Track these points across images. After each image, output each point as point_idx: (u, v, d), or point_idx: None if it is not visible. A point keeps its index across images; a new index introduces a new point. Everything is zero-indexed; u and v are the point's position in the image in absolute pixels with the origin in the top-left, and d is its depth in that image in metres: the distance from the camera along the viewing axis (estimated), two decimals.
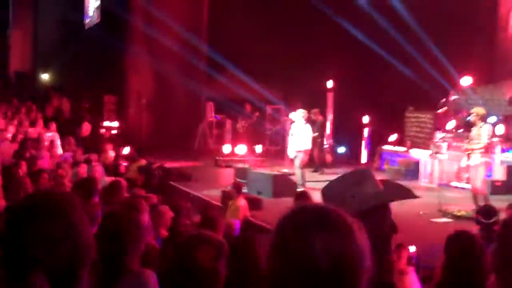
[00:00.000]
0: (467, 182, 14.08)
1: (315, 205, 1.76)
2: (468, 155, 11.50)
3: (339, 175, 2.77)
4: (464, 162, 11.80)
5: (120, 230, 3.67)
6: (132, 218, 3.85)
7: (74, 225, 1.79)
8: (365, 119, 19.79)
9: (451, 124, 16.39)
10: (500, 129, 15.15)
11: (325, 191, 2.66)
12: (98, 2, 28.92)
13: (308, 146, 14.47)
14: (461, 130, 15.66)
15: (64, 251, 1.74)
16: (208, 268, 2.63)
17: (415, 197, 2.67)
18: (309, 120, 15.06)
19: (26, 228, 1.74)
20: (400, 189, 2.70)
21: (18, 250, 1.73)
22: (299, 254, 1.60)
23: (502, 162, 14.08)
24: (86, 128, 23.46)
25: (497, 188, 13.41)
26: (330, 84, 20.10)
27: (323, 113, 18.79)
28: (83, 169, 12.30)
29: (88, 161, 14.07)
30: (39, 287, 1.70)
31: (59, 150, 17.41)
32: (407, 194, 2.67)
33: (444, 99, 17.70)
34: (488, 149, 11.33)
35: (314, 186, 14.02)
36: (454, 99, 17.54)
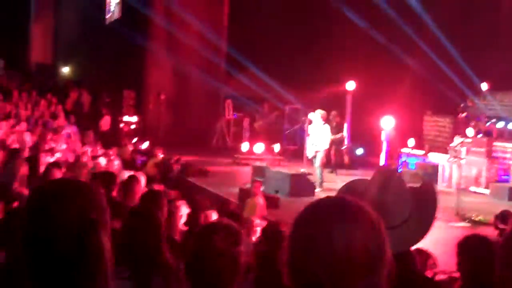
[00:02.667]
0: (485, 187, 14.04)
1: (337, 197, 1.77)
2: None
3: (358, 177, 2.80)
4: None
5: (148, 226, 3.75)
6: (157, 214, 3.93)
7: (92, 210, 1.82)
8: (384, 121, 19.71)
9: (470, 130, 16.30)
10: None
11: (349, 185, 2.69)
12: None
13: (326, 146, 14.52)
14: (480, 135, 15.60)
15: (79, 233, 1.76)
16: (226, 254, 2.65)
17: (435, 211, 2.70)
18: (327, 121, 15.07)
19: (46, 210, 1.77)
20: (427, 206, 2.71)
21: (38, 232, 1.76)
22: (319, 246, 1.60)
23: None
24: (105, 122, 23.59)
25: None
26: (350, 85, 20.03)
27: (341, 115, 18.74)
28: (101, 163, 12.37)
29: (106, 155, 14.14)
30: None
31: (78, 144, 17.52)
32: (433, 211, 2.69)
33: (463, 104, 17.63)
34: None
35: (331, 186, 14.07)
36: (473, 104, 17.46)
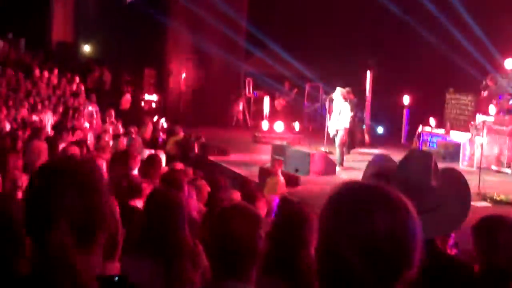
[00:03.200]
0: (507, 167, 13.93)
1: (374, 184, 1.77)
2: None
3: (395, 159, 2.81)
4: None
5: (171, 206, 3.79)
6: (178, 195, 3.96)
7: (89, 190, 1.86)
8: (405, 99, 19.60)
9: (492, 108, 16.12)
10: None
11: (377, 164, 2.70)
12: None
13: (347, 124, 14.43)
14: (502, 114, 15.44)
15: (78, 212, 1.81)
16: (245, 238, 2.67)
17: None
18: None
19: (47, 187, 1.84)
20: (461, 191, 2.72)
21: (38, 207, 1.83)
22: (362, 231, 1.61)
23: None
24: (126, 100, 23.69)
25: None
26: (370, 63, 19.90)
27: (359, 93, 18.57)
28: (122, 142, 12.46)
29: (128, 134, 14.24)
30: (59, 242, 1.77)
31: (100, 122, 17.63)
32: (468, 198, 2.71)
33: (485, 82, 17.43)
34: None
35: (352, 165, 14.05)
36: (496, 82, 17.25)
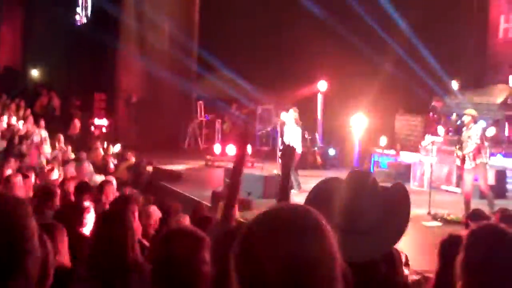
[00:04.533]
0: (456, 186, 14.14)
1: (287, 205, 1.73)
2: (463, 159, 11.55)
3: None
4: (467, 165, 11.64)
5: (119, 227, 3.70)
6: (127, 216, 3.89)
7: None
8: (355, 120, 19.78)
9: (441, 128, 16.41)
10: (490, 132, 15.20)
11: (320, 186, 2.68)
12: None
13: (299, 148, 14.46)
14: (451, 134, 15.73)
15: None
16: (188, 261, 2.63)
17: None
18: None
19: None
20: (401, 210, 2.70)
21: None
22: (262, 256, 1.56)
23: (491, 167, 14.08)
24: (75, 125, 23.36)
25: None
26: (321, 85, 20.09)
27: (311, 115, 18.66)
28: (71, 167, 12.25)
29: (77, 159, 14.02)
30: None
31: (48, 148, 17.32)
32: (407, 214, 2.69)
33: (434, 102, 17.76)
34: (479, 151, 11.38)
35: (306, 188, 14.05)
36: (444, 103, 17.58)
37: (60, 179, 10.29)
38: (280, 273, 1.54)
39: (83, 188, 7.79)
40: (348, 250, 1.64)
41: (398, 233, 2.63)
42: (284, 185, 3.82)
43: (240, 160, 3.61)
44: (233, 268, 1.62)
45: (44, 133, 18.29)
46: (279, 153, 14.90)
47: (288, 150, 3.65)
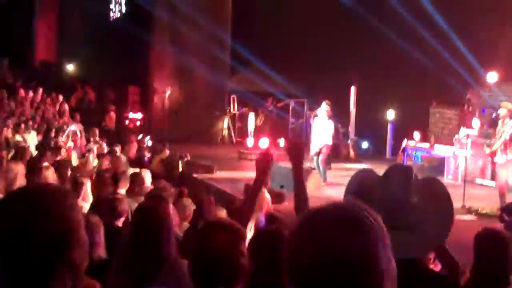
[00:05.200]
0: (491, 179, 13.99)
1: (344, 204, 1.74)
2: (493, 153, 11.44)
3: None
4: (499, 159, 11.52)
5: (155, 221, 3.74)
6: (163, 210, 3.93)
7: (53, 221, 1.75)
8: (389, 114, 19.68)
9: (476, 121, 16.23)
10: None
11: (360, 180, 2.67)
12: None
13: (330, 141, 14.46)
14: (485, 127, 15.55)
15: (36, 244, 1.71)
16: (226, 253, 2.65)
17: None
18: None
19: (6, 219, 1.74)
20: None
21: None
22: (324, 252, 1.56)
23: None
24: (110, 119, 23.61)
25: None
26: (354, 78, 20.03)
27: (344, 108, 18.60)
28: (106, 161, 12.39)
29: (112, 153, 14.16)
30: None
31: (84, 141, 17.54)
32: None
33: (468, 96, 17.57)
34: (506, 147, 11.22)
35: (337, 181, 14.07)
36: (479, 95, 17.39)
37: (95, 172, 10.42)
38: (326, 271, 1.56)
39: (119, 178, 7.88)
40: (393, 247, 1.65)
41: (444, 232, 2.62)
42: (298, 180, 3.81)
43: (259, 184, 3.65)
44: (284, 263, 1.64)
45: (80, 127, 18.51)
46: (311, 147, 14.85)
47: (294, 146, 3.62)
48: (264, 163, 3.65)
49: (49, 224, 1.73)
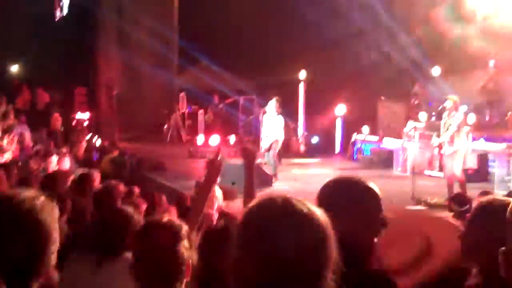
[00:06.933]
0: (439, 170, 14.23)
1: (279, 196, 1.74)
2: (440, 145, 11.65)
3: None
4: (436, 151, 11.84)
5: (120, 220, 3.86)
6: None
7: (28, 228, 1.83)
8: (338, 109, 19.83)
9: (423, 114, 16.50)
10: (471, 118, 15.31)
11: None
12: None
13: (281, 137, 14.49)
14: (432, 119, 15.81)
15: (15, 250, 1.79)
16: (164, 252, 2.67)
17: None
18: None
19: None
20: None
21: None
22: (261, 246, 1.59)
23: (473, 151, 14.18)
24: (56, 120, 23.20)
25: (469, 177, 13.50)
26: (302, 74, 20.13)
27: (294, 103, 18.69)
28: (53, 162, 12.16)
29: (59, 154, 13.92)
30: None
31: (30, 143, 17.21)
32: None
33: (414, 89, 17.85)
34: (453, 138, 11.43)
35: (289, 176, 14.13)
36: (425, 89, 17.68)
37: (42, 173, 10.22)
38: (269, 264, 1.57)
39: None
40: None
41: None
42: (250, 183, 3.87)
43: (210, 184, 3.68)
44: (231, 259, 1.66)
45: (26, 128, 18.16)
46: (261, 143, 14.87)
47: (248, 151, 3.66)
48: (216, 163, 3.66)
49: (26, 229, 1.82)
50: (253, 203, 1.70)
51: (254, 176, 3.83)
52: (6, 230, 1.80)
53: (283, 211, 1.63)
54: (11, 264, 1.77)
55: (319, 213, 1.65)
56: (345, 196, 2.43)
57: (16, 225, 1.80)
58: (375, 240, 2.47)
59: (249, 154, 3.91)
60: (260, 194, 1.77)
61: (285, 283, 1.57)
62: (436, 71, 17.53)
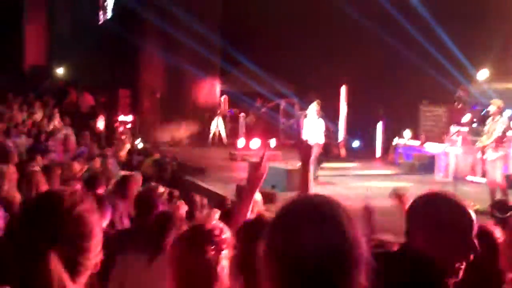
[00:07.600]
0: (482, 176, 14.02)
1: (306, 197, 1.77)
2: (483, 150, 11.48)
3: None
4: (479, 155, 11.67)
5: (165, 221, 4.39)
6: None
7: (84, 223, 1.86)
8: (380, 112, 19.70)
9: (466, 118, 16.28)
10: None
11: None
12: None
13: (321, 140, 14.46)
14: (475, 124, 15.59)
15: (70, 242, 1.82)
16: (203, 259, 2.70)
17: None
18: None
19: (38, 222, 1.83)
20: None
21: (30, 238, 1.80)
22: (287, 248, 1.62)
23: None
24: (101, 122, 23.53)
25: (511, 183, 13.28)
26: (345, 78, 20.05)
27: (335, 107, 18.62)
28: (97, 164, 12.34)
29: (102, 156, 14.12)
30: (53, 267, 1.76)
31: (74, 145, 17.47)
32: None
33: (458, 93, 17.62)
34: (499, 143, 11.26)
35: (328, 180, 14.09)
36: (469, 93, 17.43)
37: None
38: (302, 261, 1.59)
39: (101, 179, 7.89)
40: None
41: None
42: (304, 179, 3.89)
43: (251, 191, 3.67)
44: (262, 255, 1.68)
45: (70, 130, 18.45)
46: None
47: (304, 145, 3.72)
48: (261, 168, 3.62)
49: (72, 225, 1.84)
50: (283, 202, 1.74)
51: (309, 172, 3.87)
52: (44, 221, 1.83)
53: (307, 213, 1.66)
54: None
55: (346, 217, 1.66)
56: (437, 215, 2.41)
57: (58, 217, 1.84)
58: (458, 265, 2.40)
59: (305, 149, 4.06)
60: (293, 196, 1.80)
61: (307, 284, 1.59)
62: (482, 75, 17.28)
